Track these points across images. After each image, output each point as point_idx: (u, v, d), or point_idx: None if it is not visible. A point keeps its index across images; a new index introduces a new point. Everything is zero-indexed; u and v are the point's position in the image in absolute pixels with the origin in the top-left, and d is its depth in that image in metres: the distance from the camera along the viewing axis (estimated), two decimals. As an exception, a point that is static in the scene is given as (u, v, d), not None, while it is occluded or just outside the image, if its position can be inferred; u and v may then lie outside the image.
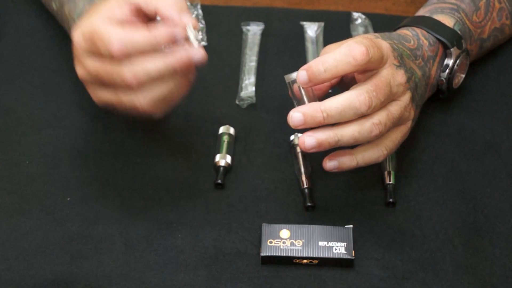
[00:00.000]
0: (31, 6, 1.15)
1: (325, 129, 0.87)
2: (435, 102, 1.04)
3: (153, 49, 0.85)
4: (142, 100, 0.87)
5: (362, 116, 0.87)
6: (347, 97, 0.86)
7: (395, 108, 0.89)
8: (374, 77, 0.88)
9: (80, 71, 0.89)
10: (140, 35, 0.85)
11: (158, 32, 0.85)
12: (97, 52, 0.86)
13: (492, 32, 1.05)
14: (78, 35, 0.88)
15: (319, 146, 0.87)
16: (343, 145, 0.88)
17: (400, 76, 0.90)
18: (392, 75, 0.89)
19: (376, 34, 0.93)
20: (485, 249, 0.93)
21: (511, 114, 1.05)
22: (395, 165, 0.98)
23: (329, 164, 0.91)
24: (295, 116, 0.87)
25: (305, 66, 0.87)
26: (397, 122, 0.90)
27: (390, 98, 0.89)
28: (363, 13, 1.15)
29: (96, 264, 0.91)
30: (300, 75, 0.87)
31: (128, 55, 0.85)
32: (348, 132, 0.87)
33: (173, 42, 0.86)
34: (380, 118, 0.88)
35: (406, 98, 0.90)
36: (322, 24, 1.14)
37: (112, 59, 0.85)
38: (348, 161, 0.91)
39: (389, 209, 0.96)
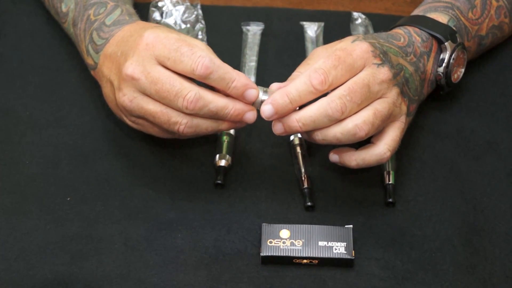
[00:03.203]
0: (31, 6, 1.15)
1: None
2: (435, 101, 1.04)
3: (225, 86, 0.89)
4: (186, 125, 0.90)
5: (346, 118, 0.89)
6: (319, 106, 0.88)
7: (382, 106, 0.90)
8: (350, 81, 0.89)
9: (135, 68, 0.89)
10: (227, 68, 0.88)
11: (238, 77, 0.89)
12: (176, 59, 0.88)
13: (490, 30, 1.05)
14: (153, 38, 0.89)
15: (309, 139, 0.92)
16: (328, 143, 0.91)
17: (382, 74, 0.90)
18: (372, 75, 0.89)
19: (360, 35, 0.94)
20: (485, 249, 0.93)
21: (511, 114, 1.05)
22: (395, 165, 0.98)
23: (332, 157, 0.95)
24: (276, 125, 0.91)
25: (269, 100, 0.89)
26: (387, 119, 0.91)
27: (371, 98, 0.89)
28: (363, 13, 1.15)
29: (96, 264, 0.91)
30: (266, 109, 0.89)
31: (206, 78, 0.88)
32: (330, 133, 0.90)
33: (242, 92, 0.89)
34: (366, 118, 0.89)
35: (393, 94, 0.91)
36: (322, 24, 1.14)
37: (192, 72, 0.88)
38: (347, 161, 0.93)
39: (389, 209, 0.96)
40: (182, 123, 0.89)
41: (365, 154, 0.92)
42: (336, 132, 0.89)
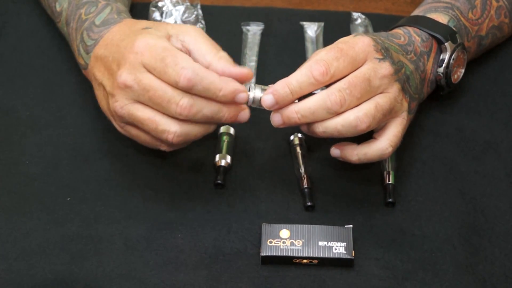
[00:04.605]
0: (31, 6, 1.15)
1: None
2: (435, 101, 1.04)
3: (212, 96, 0.88)
4: (176, 133, 0.89)
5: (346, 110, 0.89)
6: (318, 98, 0.88)
7: (383, 100, 0.90)
8: (351, 75, 0.89)
9: (127, 76, 0.88)
10: (212, 77, 0.88)
11: (226, 85, 0.88)
12: (161, 70, 0.87)
13: (490, 30, 1.05)
14: (143, 47, 0.88)
15: (309, 132, 0.91)
16: (329, 136, 0.90)
17: (384, 69, 0.90)
18: (373, 70, 0.90)
19: (361, 33, 0.94)
20: (485, 249, 0.93)
21: (511, 114, 1.05)
22: (395, 165, 0.98)
23: (333, 151, 0.94)
24: (275, 117, 0.91)
25: (270, 90, 0.89)
26: (388, 114, 0.91)
27: (371, 92, 0.89)
28: (363, 13, 1.15)
29: (96, 264, 0.91)
30: (266, 99, 0.89)
31: (190, 90, 0.87)
32: (331, 125, 0.89)
33: (232, 98, 0.89)
34: (367, 111, 0.89)
35: (394, 89, 0.91)
36: (322, 24, 1.14)
37: (175, 84, 0.87)
38: (349, 155, 0.93)
39: (389, 209, 0.96)
40: (171, 132, 0.89)
41: (367, 149, 0.92)
42: (337, 124, 0.89)
